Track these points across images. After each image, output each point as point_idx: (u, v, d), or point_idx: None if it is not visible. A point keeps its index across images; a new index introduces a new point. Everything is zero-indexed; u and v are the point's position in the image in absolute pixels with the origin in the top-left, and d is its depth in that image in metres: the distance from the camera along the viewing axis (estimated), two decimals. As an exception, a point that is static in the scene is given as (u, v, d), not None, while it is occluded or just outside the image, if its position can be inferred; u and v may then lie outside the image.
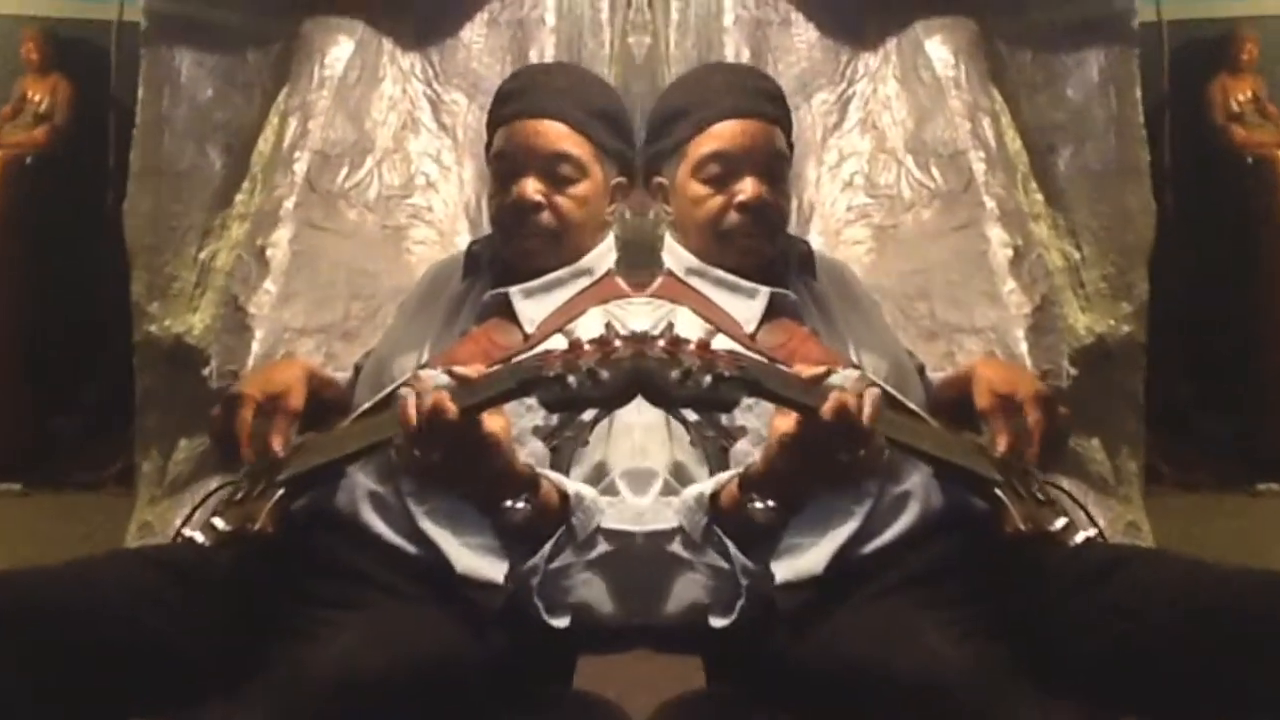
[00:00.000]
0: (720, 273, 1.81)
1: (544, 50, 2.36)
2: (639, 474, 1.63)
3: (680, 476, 1.63)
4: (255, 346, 2.18)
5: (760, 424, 1.58)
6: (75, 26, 4.36)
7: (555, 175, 1.83)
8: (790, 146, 1.94)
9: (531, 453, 1.60)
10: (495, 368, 1.48)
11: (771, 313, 1.77)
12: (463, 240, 2.25)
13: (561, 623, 1.52)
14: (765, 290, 1.78)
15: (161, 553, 1.63)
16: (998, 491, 1.57)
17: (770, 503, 1.50)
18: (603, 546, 1.55)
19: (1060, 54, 2.38)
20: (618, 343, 1.36)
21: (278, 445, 1.64)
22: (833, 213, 2.31)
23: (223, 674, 1.48)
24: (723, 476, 1.57)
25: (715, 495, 1.55)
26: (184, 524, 1.62)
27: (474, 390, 1.44)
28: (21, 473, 4.06)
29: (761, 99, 1.90)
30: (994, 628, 1.52)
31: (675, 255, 1.88)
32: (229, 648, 1.50)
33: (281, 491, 1.57)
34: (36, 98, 4.40)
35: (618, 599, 1.56)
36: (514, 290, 1.78)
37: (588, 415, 1.47)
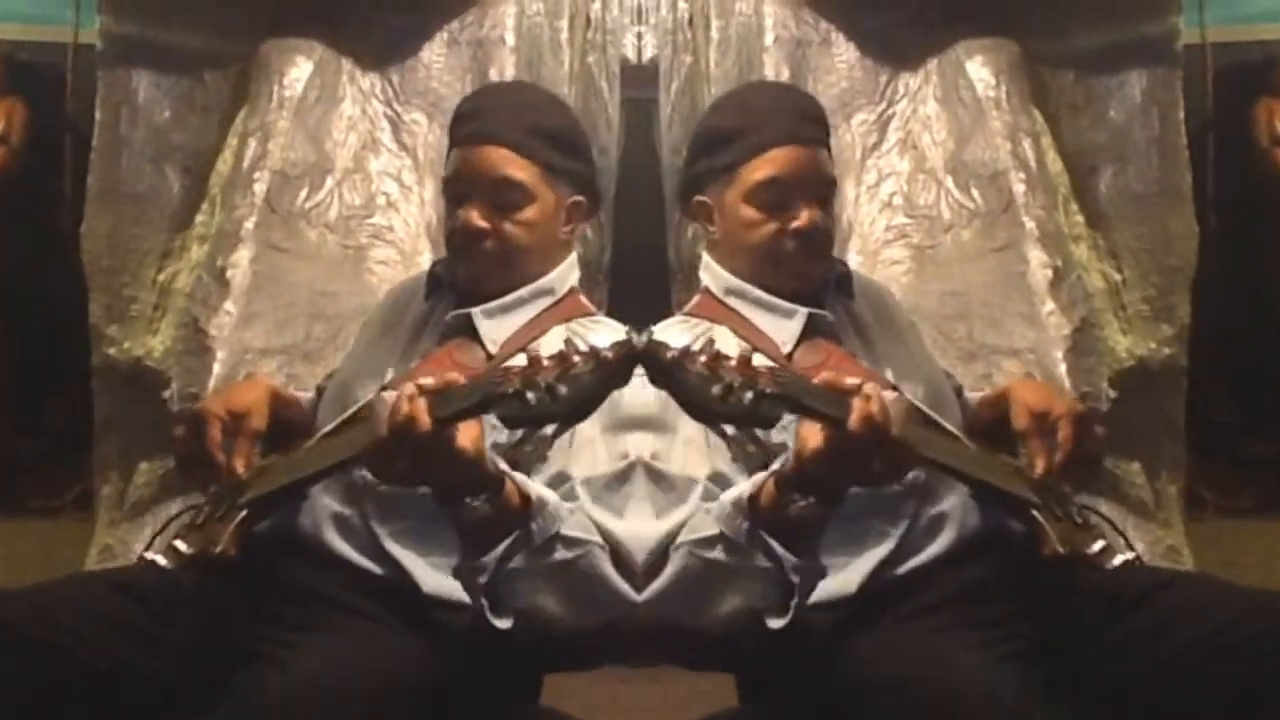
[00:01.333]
0: (759, 292, 1.81)
1: (504, 70, 2.36)
2: (676, 480, 1.63)
3: (721, 485, 1.63)
4: (216, 368, 2.18)
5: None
6: (31, 50, 4.36)
7: (500, 201, 1.81)
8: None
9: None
10: (460, 382, 1.48)
11: (808, 333, 1.77)
12: (424, 260, 2.26)
13: (504, 624, 1.51)
14: (803, 310, 1.78)
15: (124, 576, 1.62)
16: (1035, 513, 1.56)
17: (811, 499, 1.49)
18: (561, 553, 1.55)
19: (1102, 75, 2.38)
20: (576, 358, 1.36)
21: (240, 467, 1.64)
22: (871, 232, 2.31)
23: (186, 698, 1.47)
24: (758, 478, 1.56)
25: (754, 497, 1.54)
26: (147, 548, 1.61)
27: (445, 401, 1.45)
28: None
29: (810, 123, 1.89)
30: (1031, 650, 1.51)
31: (714, 274, 1.87)
32: (192, 672, 1.50)
33: (244, 514, 1.56)
34: (-8, 120, 4.41)
35: (570, 606, 1.55)
36: (476, 310, 1.78)
37: (548, 430, 1.47)
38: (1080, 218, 2.33)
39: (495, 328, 1.76)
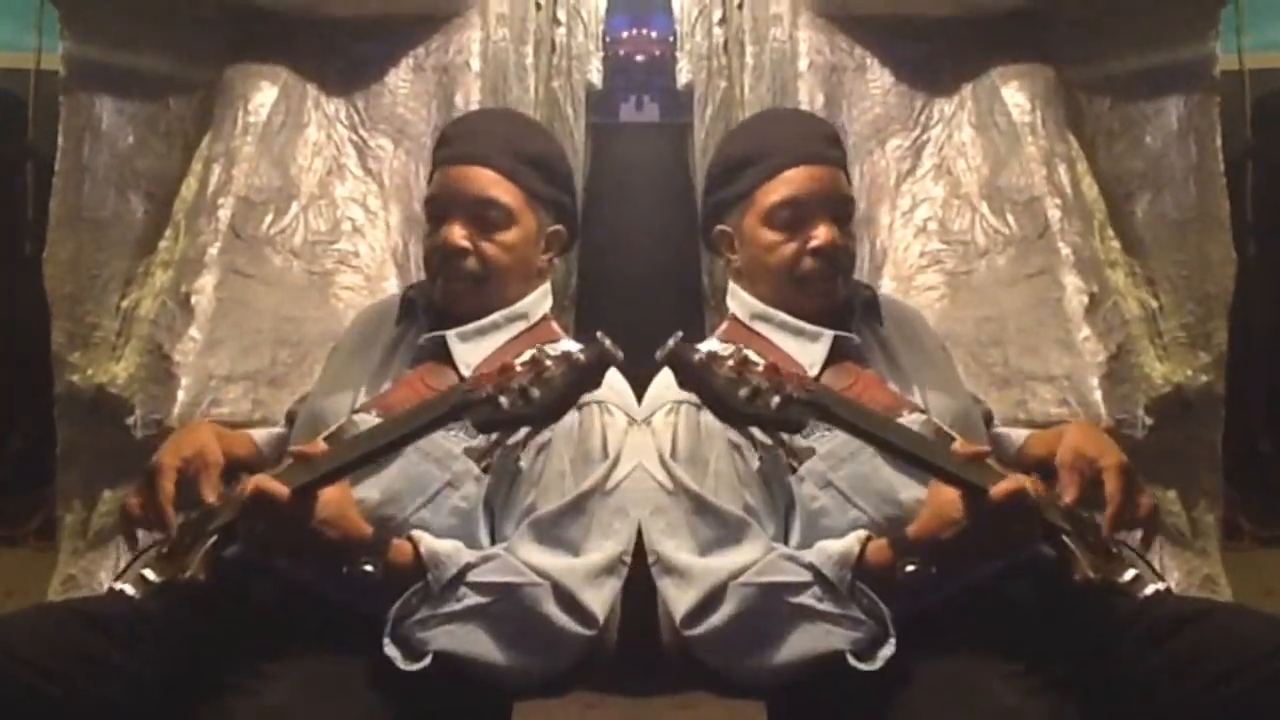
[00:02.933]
0: (785, 316, 1.81)
1: (469, 95, 2.36)
2: (728, 517, 1.63)
3: (751, 517, 1.63)
4: (180, 394, 2.17)
5: (826, 466, 1.59)
6: None
7: (482, 221, 1.82)
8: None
9: (465, 496, 1.63)
10: (428, 396, 1.51)
11: (835, 356, 1.77)
12: (390, 285, 2.27)
13: (415, 666, 1.50)
14: (829, 334, 1.78)
15: (89, 606, 1.61)
16: (1066, 539, 1.55)
17: (925, 566, 1.51)
18: (472, 598, 1.54)
19: (1139, 101, 2.36)
20: (549, 362, 1.38)
21: (210, 496, 1.63)
22: (905, 258, 2.31)
23: None
24: (861, 534, 1.57)
25: (861, 553, 1.55)
26: (116, 578, 1.59)
27: (313, 466, 1.47)
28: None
29: (824, 144, 1.90)
30: (1063, 679, 1.50)
31: (740, 301, 1.88)
32: (160, 702, 1.50)
33: (213, 539, 1.56)
34: (-48, 147, 4.43)
35: (505, 646, 1.54)
36: (450, 334, 1.79)
37: (520, 434, 1.48)
38: (1116, 244, 2.31)
39: (469, 351, 1.78)
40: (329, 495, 1.51)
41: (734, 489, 1.65)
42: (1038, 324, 2.22)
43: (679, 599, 1.58)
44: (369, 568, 1.52)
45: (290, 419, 1.91)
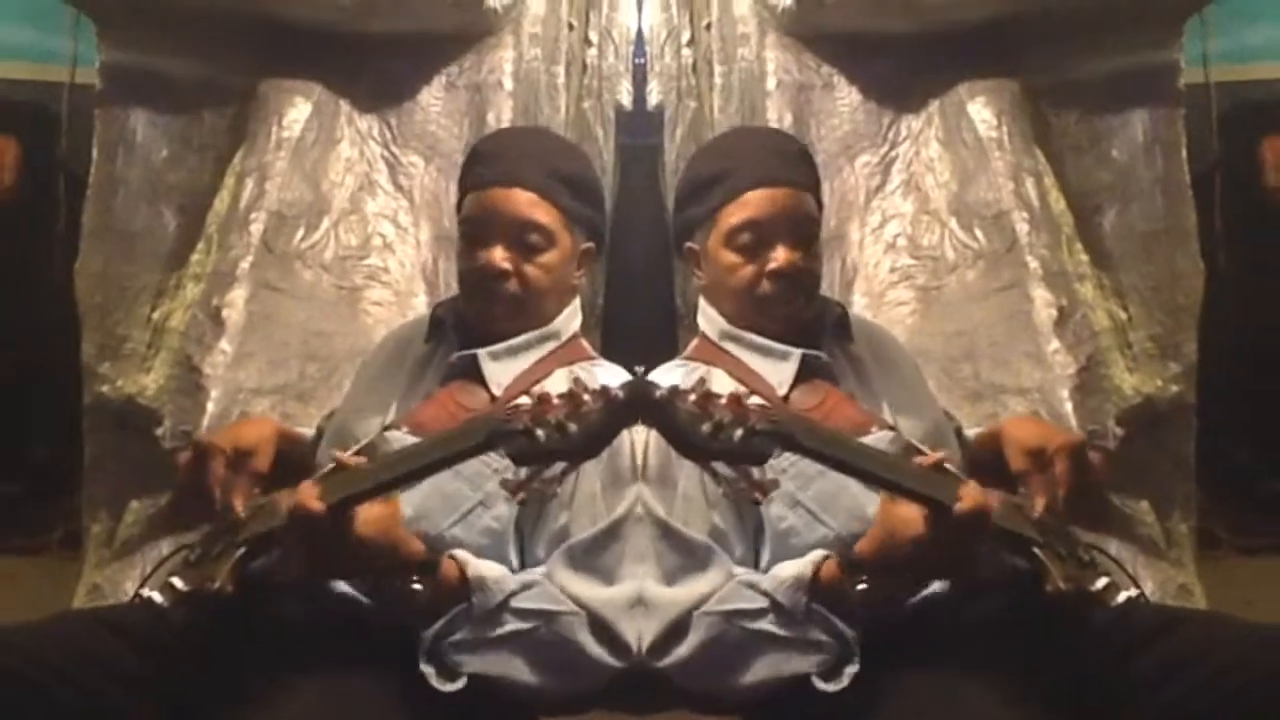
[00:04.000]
0: (753, 336, 1.82)
1: (501, 114, 2.37)
2: (694, 545, 1.63)
3: (722, 544, 1.63)
4: (210, 407, 2.18)
5: (794, 486, 1.59)
6: (25, 89, 4.41)
7: (524, 244, 1.83)
8: (820, 205, 1.95)
9: (496, 516, 1.62)
10: (465, 422, 1.50)
11: (804, 374, 1.77)
12: (420, 301, 2.27)
13: (450, 687, 1.51)
14: (797, 352, 1.79)
15: (114, 614, 1.63)
16: (1037, 551, 1.55)
17: (877, 583, 1.52)
18: (514, 624, 1.55)
19: (1105, 114, 2.38)
20: (586, 396, 1.37)
21: (239, 505, 1.65)
22: (876, 274, 2.31)
23: None
24: (815, 556, 1.57)
25: (814, 575, 1.55)
26: (141, 585, 1.61)
27: (351, 478, 1.48)
28: (-40, 537, 4.06)
29: (789, 164, 1.91)
30: (1037, 691, 1.50)
31: (708, 319, 1.89)
32: (182, 712, 1.50)
33: (241, 551, 1.57)
34: (-15, 159, 4.44)
35: (539, 672, 1.55)
36: (482, 352, 1.79)
37: (557, 468, 1.47)
38: (1085, 256, 2.32)
39: (501, 370, 1.77)
40: (375, 511, 1.51)
41: (702, 512, 1.65)
42: (1008, 337, 2.23)
43: (644, 629, 1.58)
44: (418, 586, 1.52)
45: (319, 433, 1.91)
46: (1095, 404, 2.18)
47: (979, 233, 2.32)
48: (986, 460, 1.77)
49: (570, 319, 1.89)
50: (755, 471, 1.43)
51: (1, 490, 4.21)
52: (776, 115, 2.36)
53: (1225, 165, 3.88)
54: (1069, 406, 2.16)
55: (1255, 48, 4.16)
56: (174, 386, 2.23)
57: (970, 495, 1.46)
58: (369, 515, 1.50)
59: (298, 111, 2.40)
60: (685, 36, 2.43)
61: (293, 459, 1.78)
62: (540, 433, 1.36)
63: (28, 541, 3.80)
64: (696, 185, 1.94)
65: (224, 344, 2.23)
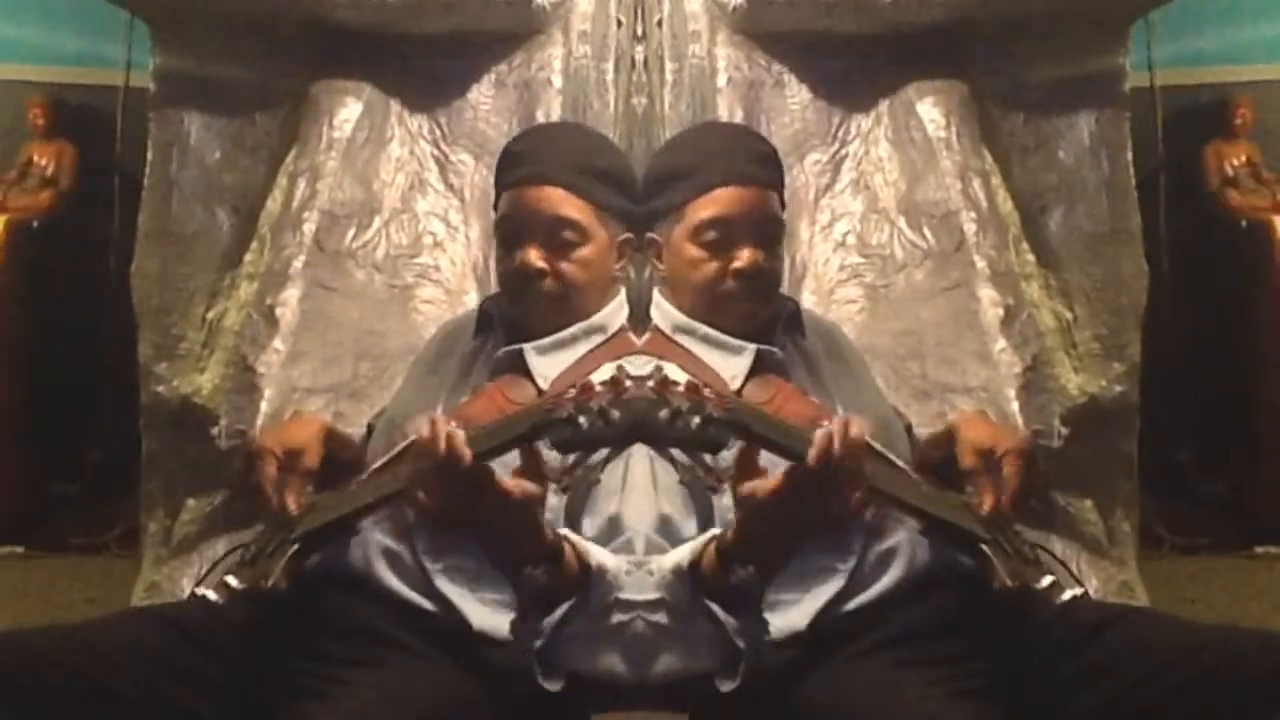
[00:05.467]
0: (707, 329, 1.82)
1: (550, 111, 2.38)
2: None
3: (667, 531, 1.62)
4: (264, 405, 2.18)
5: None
6: (81, 92, 4.41)
7: (557, 241, 1.84)
8: (783, 206, 1.95)
9: (548, 507, 1.58)
10: (509, 413, 1.49)
11: (758, 369, 1.77)
12: (470, 299, 2.27)
13: (554, 686, 1.49)
14: (751, 347, 1.78)
15: (172, 611, 1.62)
16: (984, 548, 1.56)
17: (751, 568, 1.48)
18: (618, 617, 1.53)
19: (1051, 117, 2.41)
20: (629, 383, 1.37)
21: (292, 503, 1.64)
22: (825, 272, 2.32)
23: None
24: (697, 544, 1.56)
25: (694, 564, 1.54)
26: (197, 583, 1.61)
27: (486, 436, 1.45)
28: (22, 536, 4.05)
29: (758, 164, 1.91)
30: (983, 686, 1.51)
31: (663, 312, 1.88)
32: (240, 708, 1.49)
33: (295, 548, 1.57)
34: (42, 162, 4.42)
35: (632, 665, 1.53)
36: (528, 347, 1.78)
37: (600, 455, 1.46)
38: (1031, 257, 2.34)
39: (547, 364, 1.76)
40: (526, 488, 1.46)
41: (650, 499, 1.64)
42: (955, 336, 2.24)
43: None
44: (542, 572, 1.48)
45: (370, 431, 1.90)
46: (1041, 403, 2.21)
47: (927, 232, 2.33)
48: (937, 459, 1.78)
49: (616, 312, 1.88)
50: (710, 460, 1.43)
51: (61, 491, 4.21)
52: (727, 112, 2.37)
53: (1169, 168, 3.94)
54: (1015, 406, 2.17)
55: (1200, 53, 4.23)
56: (229, 386, 2.25)
57: (819, 443, 1.42)
58: (524, 487, 1.46)
59: (348, 112, 2.41)
60: (637, 31, 2.43)
61: (340, 458, 1.78)
62: (583, 420, 1.36)
63: (87, 541, 3.80)
64: (663, 177, 1.93)
65: (277, 343, 2.25)
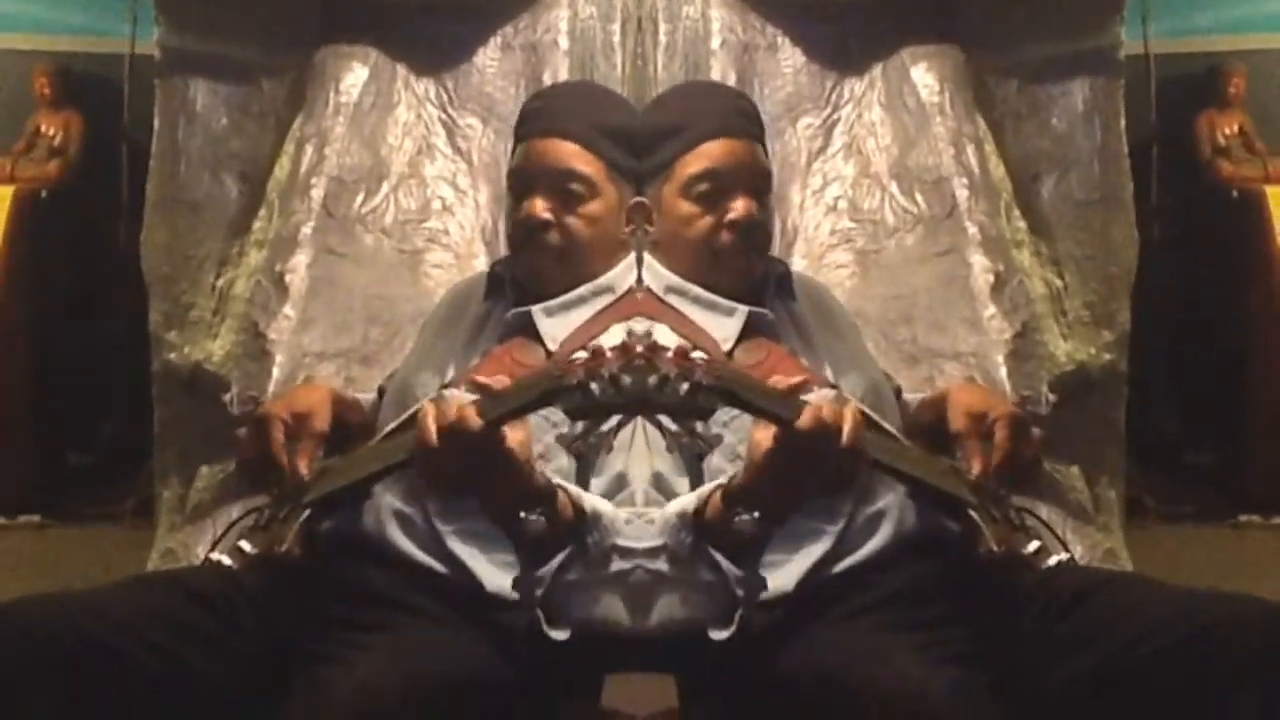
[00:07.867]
0: (699, 290, 1.82)
1: (557, 73, 2.37)
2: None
3: (660, 487, 1.62)
4: (275, 372, 2.19)
5: (735, 439, 1.58)
6: (87, 61, 4.39)
7: (565, 193, 1.83)
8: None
9: (558, 468, 1.60)
10: (519, 379, 1.48)
11: (749, 331, 1.77)
12: (480, 263, 2.27)
13: (561, 635, 1.50)
14: (743, 309, 1.78)
15: (186, 577, 1.62)
16: (972, 513, 1.57)
17: (755, 514, 1.49)
18: (619, 564, 1.54)
19: (1045, 84, 2.39)
20: (640, 349, 1.36)
21: (303, 468, 1.63)
22: (816, 236, 2.32)
23: (249, 699, 1.47)
24: (703, 491, 1.56)
25: (699, 510, 1.55)
26: (211, 549, 1.61)
27: (498, 401, 1.45)
28: (38, 506, 4.05)
29: (744, 118, 1.92)
30: (968, 651, 1.51)
31: (654, 273, 1.88)
32: (255, 672, 1.49)
33: (307, 513, 1.57)
34: (50, 132, 4.41)
35: (634, 614, 1.55)
36: (536, 309, 1.78)
37: (612, 422, 1.45)
38: (1022, 224, 2.34)
39: (556, 326, 1.76)
40: (518, 436, 1.47)
41: (644, 457, 1.65)
42: (945, 302, 2.24)
43: None
44: (536, 517, 1.49)
45: (381, 394, 1.90)
46: (1029, 370, 2.21)
47: (919, 197, 2.33)
48: (928, 422, 1.78)
49: (625, 274, 1.85)
50: (699, 425, 1.43)
51: (76, 461, 4.22)
52: (720, 74, 2.36)
53: (1162, 137, 3.94)
54: (1004, 372, 2.18)
55: (1194, 22, 4.23)
56: (240, 352, 2.24)
57: (811, 411, 1.44)
58: (515, 439, 1.47)
59: (354, 77, 2.40)
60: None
61: (348, 420, 1.77)
62: (595, 386, 1.35)
63: (102, 510, 3.80)
64: (649, 138, 1.93)
65: (288, 309, 2.24)
